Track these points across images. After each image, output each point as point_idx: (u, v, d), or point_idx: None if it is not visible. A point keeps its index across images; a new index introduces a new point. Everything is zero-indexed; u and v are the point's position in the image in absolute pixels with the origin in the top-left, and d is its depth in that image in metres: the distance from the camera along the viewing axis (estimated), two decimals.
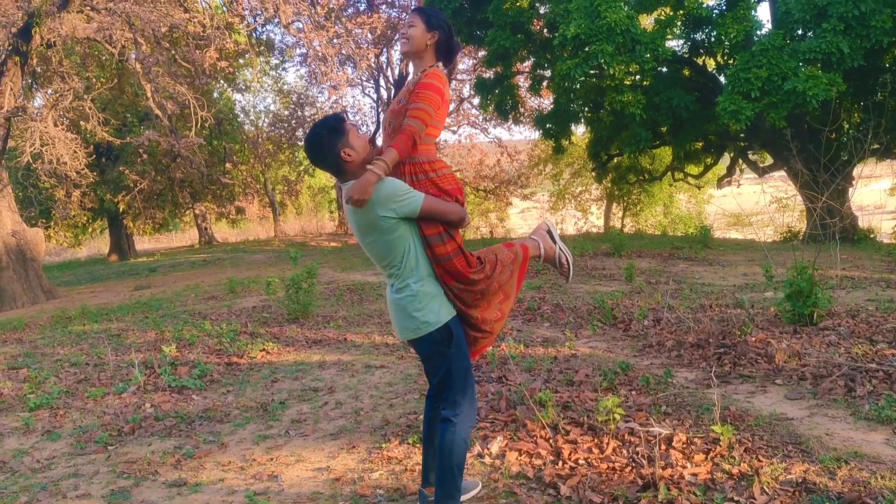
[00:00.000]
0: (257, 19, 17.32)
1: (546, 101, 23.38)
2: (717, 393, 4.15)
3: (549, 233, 3.32)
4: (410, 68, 3.24)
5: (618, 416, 3.83)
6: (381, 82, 27.79)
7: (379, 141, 3.12)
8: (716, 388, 4.40)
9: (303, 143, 3.20)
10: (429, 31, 3.04)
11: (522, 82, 22.05)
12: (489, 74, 19.57)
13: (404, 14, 24.14)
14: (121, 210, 23.39)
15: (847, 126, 15.75)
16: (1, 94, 12.74)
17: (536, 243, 3.25)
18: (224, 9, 16.87)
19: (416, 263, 2.88)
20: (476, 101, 24.19)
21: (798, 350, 5.29)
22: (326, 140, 2.83)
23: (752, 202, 15.57)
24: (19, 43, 12.69)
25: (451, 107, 26.94)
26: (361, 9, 24.11)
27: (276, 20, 16.08)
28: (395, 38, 23.62)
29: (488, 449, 3.86)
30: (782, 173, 17.60)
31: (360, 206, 2.77)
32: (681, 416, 4.16)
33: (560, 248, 3.27)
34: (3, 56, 12.60)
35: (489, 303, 3.02)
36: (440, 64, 3.10)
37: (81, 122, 16.94)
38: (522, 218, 34.58)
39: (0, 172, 13.33)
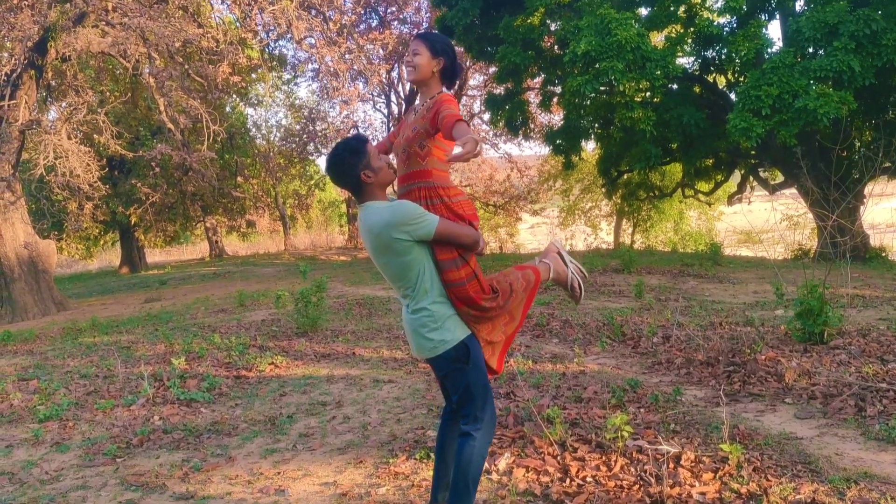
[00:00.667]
0: (270, 35, 17.45)
1: (556, 118, 23.41)
2: (726, 411, 4.13)
3: (560, 254, 3.31)
4: None
5: (626, 434, 3.82)
6: (392, 98, 27.95)
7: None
8: (725, 407, 4.38)
9: (325, 161, 3.15)
10: (434, 58, 3.05)
11: (533, 98, 22.12)
12: (500, 90, 19.63)
13: (416, 30, 24.28)
14: (132, 223, 23.55)
15: (858, 144, 15.68)
16: (16, 106, 12.89)
17: (548, 266, 3.25)
18: (237, 24, 16.99)
19: (430, 286, 2.89)
20: (486, 116, 24.27)
21: (808, 369, 5.26)
22: (348, 161, 2.87)
23: (762, 220, 15.48)
24: (35, 57, 12.86)
25: None
26: (373, 25, 24.31)
27: (289, 36, 16.23)
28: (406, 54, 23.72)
29: (496, 465, 3.85)
30: (793, 191, 17.53)
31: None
32: (689, 435, 4.14)
33: (572, 272, 3.26)
34: (19, 69, 12.75)
35: (494, 325, 3.04)
36: (445, 88, 3.12)
37: (95, 136, 17.09)
38: (532, 233, 34.52)
39: (14, 184, 13.46)
